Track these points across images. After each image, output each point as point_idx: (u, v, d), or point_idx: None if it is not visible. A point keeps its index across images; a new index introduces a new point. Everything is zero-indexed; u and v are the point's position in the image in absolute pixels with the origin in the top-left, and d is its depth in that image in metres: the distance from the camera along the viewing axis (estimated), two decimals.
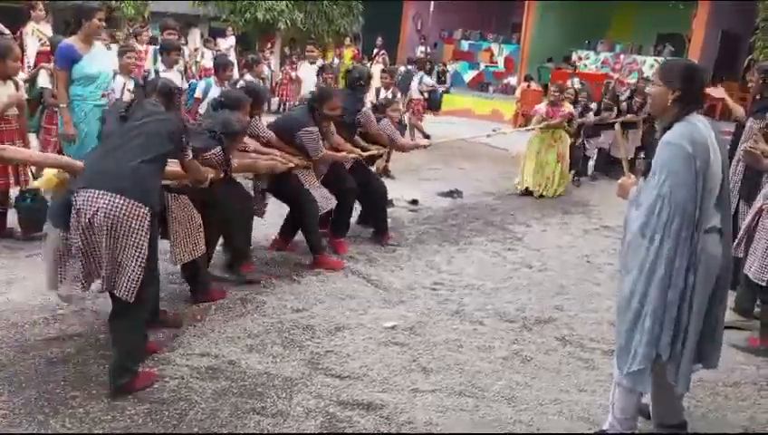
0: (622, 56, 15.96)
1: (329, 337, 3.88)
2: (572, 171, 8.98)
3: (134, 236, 2.99)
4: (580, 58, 16.42)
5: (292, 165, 4.89)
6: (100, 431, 2.82)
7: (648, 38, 16.91)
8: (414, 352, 3.79)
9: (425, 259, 5.46)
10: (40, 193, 5.09)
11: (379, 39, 15.78)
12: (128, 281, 3.00)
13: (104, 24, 5.07)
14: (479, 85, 17.87)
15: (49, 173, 3.42)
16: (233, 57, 12.75)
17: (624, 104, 9.81)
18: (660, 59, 15.14)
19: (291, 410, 3.09)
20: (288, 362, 3.54)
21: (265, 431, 2.92)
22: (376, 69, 15.10)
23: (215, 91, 6.84)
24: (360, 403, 3.19)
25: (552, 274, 5.42)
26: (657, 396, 2.97)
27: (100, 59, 5.12)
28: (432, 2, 15.73)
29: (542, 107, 8.28)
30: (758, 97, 5.25)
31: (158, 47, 7.18)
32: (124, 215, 2.96)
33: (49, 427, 2.81)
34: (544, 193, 8.20)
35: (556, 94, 8.15)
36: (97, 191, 2.98)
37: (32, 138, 6.05)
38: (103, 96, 5.14)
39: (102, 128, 3.42)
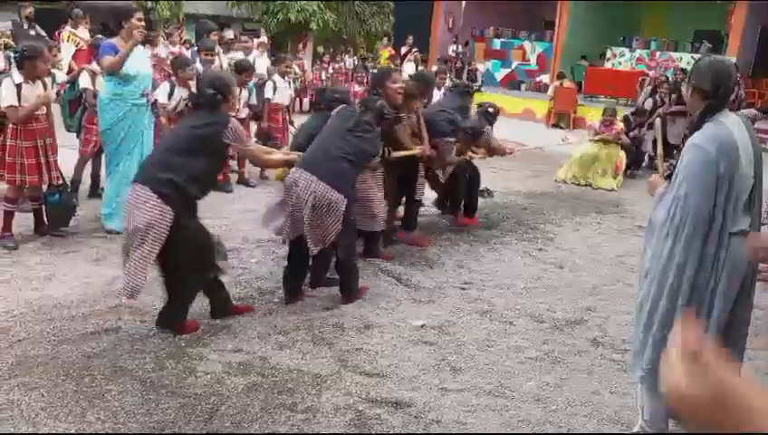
0: (657, 53, 15.64)
1: (358, 335, 3.90)
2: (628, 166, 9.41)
3: (332, 213, 3.97)
4: (614, 55, 16.15)
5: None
6: (134, 425, 2.89)
7: (684, 34, 16.54)
8: (443, 351, 3.79)
9: (455, 258, 5.45)
10: (67, 190, 5.24)
11: (410, 38, 15.77)
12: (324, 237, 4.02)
13: (143, 23, 5.18)
14: (511, 84, 17.71)
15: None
16: (265, 57, 12.87)
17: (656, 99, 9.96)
18: (697, 56, 14.81)
19: (320, 406, 3.12)
20: (318, 359, 3.57)
21: (295, 427, 2.95)
22: (407, 67, 15.13)
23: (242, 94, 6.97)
24: (389, 401, 3.21)
25: (584, 274, 5.35)
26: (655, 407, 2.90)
27: (139, 59, 5.24)
28: (464, 1, 15.63)
29: (595, 122, 9.01)
30: None
31: (195, 49, 7.34)
32: (325, 197, 3.94)
33: (85, 420, 2.89)
34: (593, 184, 8.59)
35: (610, 117, 8.99)
36: (310, 175, 3.99)
37: (72, 137, 6.24)
38: (142, 95, 5.25)
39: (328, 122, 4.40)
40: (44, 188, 5.08)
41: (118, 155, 5.29)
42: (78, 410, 2.96)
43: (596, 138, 8.94)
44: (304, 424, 2.97)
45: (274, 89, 7.71)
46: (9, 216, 4.90)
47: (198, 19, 9.59)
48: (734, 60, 12.90)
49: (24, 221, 5.16)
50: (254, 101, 7.39)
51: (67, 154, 6.13)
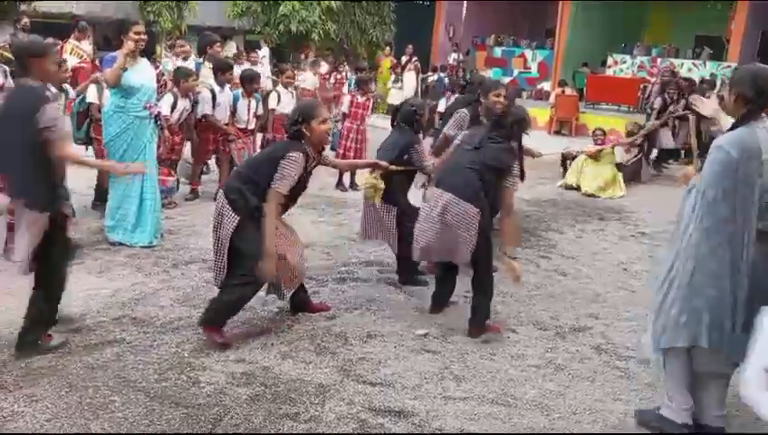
0: (659, 60, 15.66)
1: (361, 344, 3.90)
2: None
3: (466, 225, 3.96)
4: (615, 62, 16.18)
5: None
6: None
7: (685, 40, 16.57)
8: (446, 359, 3.79)
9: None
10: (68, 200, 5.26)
11: (410, 47, 15.83)
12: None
13: (144, 37, 5.22)
14: (512, 92, 17.74)
15: (375, 182, 4.49)
16: (267, 68, 12.94)
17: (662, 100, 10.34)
18: (698, 61, 14.86)
19: (323, 416, 3.12)
20: (321, 368, 3.58)
21: None
22: (408, 76, 15.19)
23: (242, 105, 6.97)
24: (392, 410, 3.21)
25: (587, 281, 5.35)
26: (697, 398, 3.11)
27: (142, 72, 5.28)
28: (464, 9, 15.71)
29: (590, 150, 9.06)
30: None
31: (200, 61, 7.33)
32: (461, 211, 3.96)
33: (90, 431, 2.90)
34: (597, 193, 8.59)
35: (599, 136, 9.21)
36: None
37: (79, 149, 6.26)
38: (145, 108, 5.29)
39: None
40: None
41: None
42: (82, 421, 2.96)
43: (592, 151, 8.98)
44: (307, 434, 2.97)
45: (278, 99, 7.75)
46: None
47: (201, 31, 9.64)
48: (735, 65, 12.96)
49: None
50: (261, 111, 7.41)
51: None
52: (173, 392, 3.24)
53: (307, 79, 10.85)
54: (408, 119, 4.80)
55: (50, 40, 4.05)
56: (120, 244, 5.33)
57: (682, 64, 15.18)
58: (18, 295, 4.27)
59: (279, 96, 7.81)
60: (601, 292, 5.10)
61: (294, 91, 8.40)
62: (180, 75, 6.38)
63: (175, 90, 6.34)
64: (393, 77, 14.91)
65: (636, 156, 9.62)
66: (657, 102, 10.35)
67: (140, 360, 3.53)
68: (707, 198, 2.80)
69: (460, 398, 3.37)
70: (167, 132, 6.18)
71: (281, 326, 4.07)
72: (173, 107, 6.25)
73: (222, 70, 6.82)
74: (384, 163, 4.52)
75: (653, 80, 14.41)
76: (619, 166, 9.07)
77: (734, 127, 2.87)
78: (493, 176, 4.01)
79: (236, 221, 3.67)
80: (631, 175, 9.37)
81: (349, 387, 3.40)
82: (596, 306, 4.79)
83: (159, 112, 5.59)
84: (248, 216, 3.68)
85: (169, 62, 8.32)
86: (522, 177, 4.19)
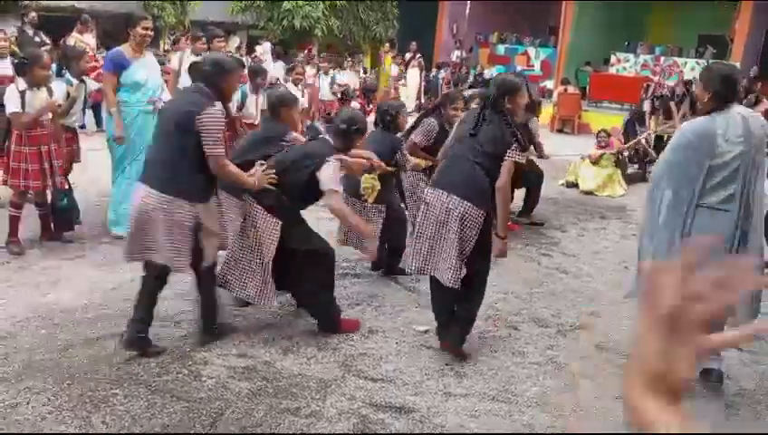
0: (662, 58, 15.63)
1: (362, 340, 3.91)
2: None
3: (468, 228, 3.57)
4: (618, 61, 16.15)
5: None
6: (139, 429, 2.90)
7: (689, 40, 16.53)
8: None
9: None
10: (72, 194, 5.27)
11: (413, 44, 15.82)
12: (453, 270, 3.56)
13: (151, 33, 5.22)
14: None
15: (374, 183, 4.35)
16: (269, 64, 12.92)
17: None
18: (702, 61, 14.81)
19: (324, 411, 3.13)
20: (322, 363, 3.58)
21: (299, 432, 2.96)
22: (411, 73, 15.17)
23: (251, 100, 6.96)
24: (393, 406, 3.21)
25: (589, 279, 5.35)
26: None
27: (148, 67, 5.27)
28: (468, 7, 15.69)
29: (592, 154, 9.03)
30: None
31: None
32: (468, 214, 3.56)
33: (91, 424, 2.91)
34: (596, 193, 8.59)
35: (603, 138, 9.10)
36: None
37: (95, 142, 6.27)
38: (149, 103, 5.28)
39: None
40: (49, 193, 5.12)
41: (123, 161, 5.33)
42: (83, 413, 2.97)
43: (597, 154, 8.99)
44: (308, 429, 2.98)
45: None
46: (15, 221, 4.93)
47: (204, 26, 9.63)
48: (737, 64, 12.94)
49: (30, 226, 5.20)
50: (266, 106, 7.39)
51: (94, 155, 6.19)
52: (174, 386, 3.25)
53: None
54: (384, 120, 4.84)
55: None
56: (123, 238, 5.32)
57: (685, 63, 15.14)
58: (19, 290, 4.29)
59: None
60: (602, 290, 5.10)
61: (304, 89, 8.41)
62: (197, 69, 6.37)
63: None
64: (395, 69, 14.88)
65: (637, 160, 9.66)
66: (647, 106, 10.46)
67: (143, 353, 3.54)
68: (666, 169, 3.38)
69: (461, 394, 3.38)
70: None
71: (282, 321, 4.08)
72: None
73: (254, 75, 6.85)
74: (381, 163, 4.43)
75: (656, 79, 14.39)
76: (621, 166, 9.09)
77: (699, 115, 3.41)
78: (495, 162, 3.54)
79: (280, 226, 3.72)
80: (636, 177, 9.40)
81: (350, 382, 3.41)
82: (597, 304, 4.79)
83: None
84: (290, 218, 3.78)
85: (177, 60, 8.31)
86: (526, 148, 4.10)
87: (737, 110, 3.32)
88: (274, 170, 3.69)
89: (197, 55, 7.37)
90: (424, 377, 3.52)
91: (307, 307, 4.01)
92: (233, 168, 3.51)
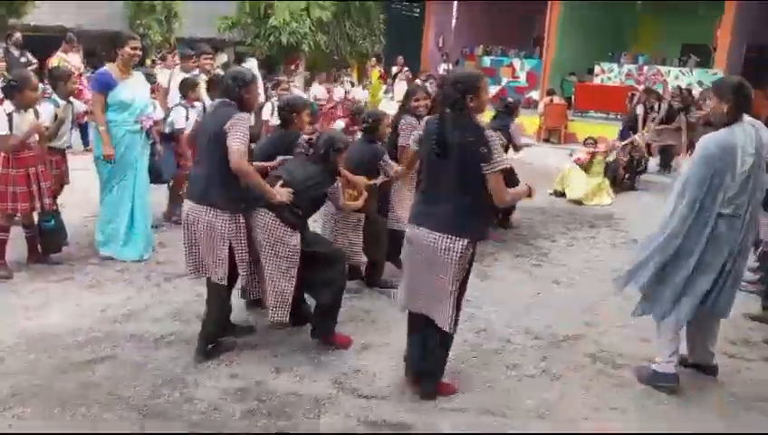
0: (645, 67, 15.79)
1: (356, 356, 3.88)
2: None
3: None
4: (603, 71, 16.29)
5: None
6: None
7: (672, 49, 16.72)
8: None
9: None
10: (59, 216, 5.23)
11: (400, 58, 15.90)
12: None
13: (139, 51, 5.22)
14: (502, 101, 17.82)
15: (358, 203, 4.31)
16: (257, 80, 12.94)
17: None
18: (686, 69, 14.98)
19: (319, 430, 3.09)
20: (316, 382, 3.55)
21: None
22: (399, 87, 15.23)
23: None
24: (388, 423, 3.19)
25: (580, 289, 5.35)
26: (690, 340, 3.79)
27: (135, 87, 5.26)
28: (454, 19, 15.81)
29: (580, 156, 9.17)
30: None
31: (196, 73, 7.28)
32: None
33: None
34: (584, 201, 8.64)
35: (590, 144, 9.39)
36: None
37: (84, 162, 6.23)
38: (136, 122, 5.27)
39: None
40: (36, 215, 5.07)
41: (111, 181, 5.30)
42: None
43: (587, 154, 9.08)
44: None
45: (273, 111, 7.74)
46: (2, 244, 4.87)
47: (192, 43, 9.64)
48: (720, 73, 13.11)
49: (17, 249, 5.14)
50: (252, 122, 7.39)
51: (80, 175, 6.17)
52: (166, 409, 3.20)
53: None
54: (365, 129, 4.86)
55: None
56: (111, 258, 5.29)
57: (669, 72, 15.30)
58: (6, 314, 4.23)
59: (273, 107, 7.81)
60: (594, 300, 5.10)
61: None
62: (189, 86, 6.40)
63: (184, 102, 6.35)
64: (384, 87, 14.96)
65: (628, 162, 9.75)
66: (639, 109, 10.68)
67: (133, 376, 3.50)
68: (691, 183, 3.42)
69: (456, 409, 3.36)
70: (184, 145, 6.19)
71: (274, 339, 4.04)
72: (186, 118, 6.25)
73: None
74: (361, 181, 4.44)
75: (640, 88, 14.53)
76: (609, 174, 9.16)
77: (718, 128, 3.46)
78: (474, 179, 3.12)
79: (299, 236, 3.79)
80: (625, 186, 9.49)
81: (344, 400, 3.38)
82: (589, 314, 4.79)
83: (151, 126, 5.57)
84: (302, 227, 3.87)
85: (164, 76, 8.30)
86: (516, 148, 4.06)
87: (748, 120, 3.46)
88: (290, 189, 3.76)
89: (187, 73, 7.38)
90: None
91: (321, 302, 3.96)
92: (253, 170, 3.58)
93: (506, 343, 4.21)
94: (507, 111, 7.25)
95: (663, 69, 15.53)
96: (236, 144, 3.45)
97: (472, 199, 3.15)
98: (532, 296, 5.12)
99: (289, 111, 4.39)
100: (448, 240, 3.14)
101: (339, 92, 13.34)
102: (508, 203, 3.23)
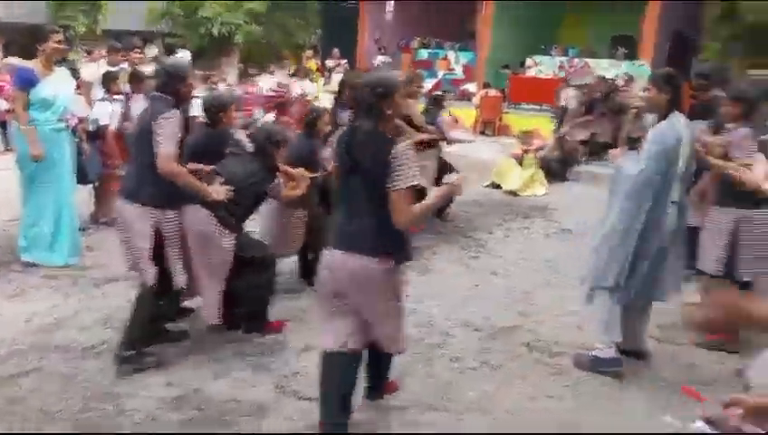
0: (576, 60, 16.25)
1: (297, 359, 3.83)
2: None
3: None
4: (535, 63, 16.66)
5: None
6: None
7: (602, 41, 17.26)
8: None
9: None
10: None
11: (336, 50, 15.80)
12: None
13: (63, 46, 4.97)
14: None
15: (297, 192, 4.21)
16: None
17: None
18: (614, 61, 15.49)
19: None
20: (256, 386, 3.49)
21: None
22: (336, 79, 15.12)
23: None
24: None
25: (517, 280, 5.47)
26: (625, 327, 3.79)
27: (57, 84, 5.00)
28: (389, 12, 15.83)
29: (516, 152, 9.49)
30: (700, 99, 5.40)
31: (124, 66, 7.01)
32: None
33: None
34: (519, 193, 8.81)
35: (526, 138, 9.81)
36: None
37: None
38: (61, 121, 5.03)
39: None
40: None
41: (34, 181, 5.04)
42: None
43: (521, 150, 9.34)
44: None
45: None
46: None
47: (119, 35, 9.27)
48: (646, 64, 13.63)
49: None
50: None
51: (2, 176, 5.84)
52: (99, 423, 3.08)
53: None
54: (304, 125, 4.84)
55: None
56: (35, 264, 5.03)
57: (598, 64, 15.79)
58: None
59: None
60: (530, 290, 5.22)
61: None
62: (109, 79, 6.14)
63: (107, 96, 6.08)
64: (323, 80, 14.83)
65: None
66: (572, 104, 10.97)
67: (63, 389, 3.34)
68: (647, 172, 3.50)
69: (400, 407, 3.37)
70: (110, 142, 5.93)
71: (210, 344, 3.94)
72: (111, 114, 5.99)
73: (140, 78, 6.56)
74: (301, 174, 4.39)
75: (569, 79, 14.94)
76: (545, 163, 9.41)
77: (661, 119, 3.59)
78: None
79: (234, 238, 3.75)
80: (557, 177, 9.75)
81: (286, 404, 3.33)
82: (526, 304, 4.90)
83: (77, 124, 5.33)
84: (237, 228, 3.82)
85: (85, 68, 7.94)
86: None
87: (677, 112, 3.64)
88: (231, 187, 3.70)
89: (113, 66, 7.09)
90: (362, 392, 3.49)
91: (245, 311, 3.97)
92: (183, 171, 3.49)
93: (447, 337, 4.25)
94: (435, 105, 7.31)
95: (592, 61, 16.02)
96: (163, 148, 3.35)
97: (386, 218, 2.71)
98: (471, 288, 5.20)
99: (215, 110, 4.24)
100: (367, 262, 2.74)
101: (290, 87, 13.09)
102: (409, 224, 2.75)
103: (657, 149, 3.52)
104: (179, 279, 3.61)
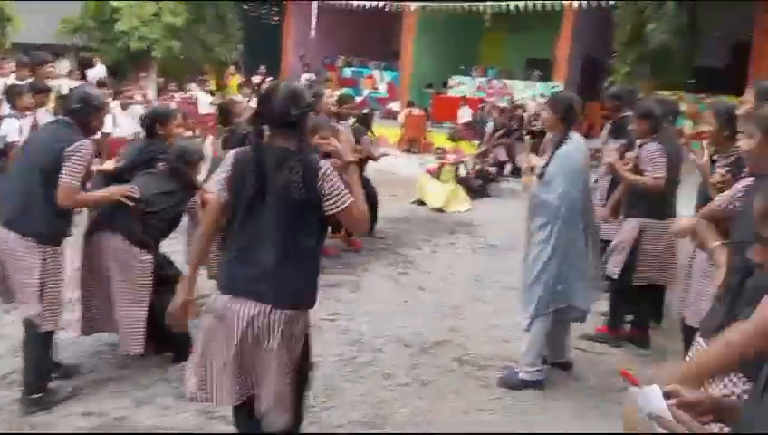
0: (494, 81, 16.81)
1: None
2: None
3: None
4: (456, 83, 17.11)
5: None
6: None
7: (518, 63, 17.95)
8: (315, 388, 3.68)
9: (322, 289, 5.35)
10: None
11: (262, 67, 15.68)
12: None
13: None
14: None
15: None
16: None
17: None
18: (530, 82, 16.14)
19: None
20: (181, 413, 3.34)
21: None
22: None
23: None
24: None
25: (446, 295, 5.53)
26: (550, 340, 3.90)
27: None
28: (313, 30, 15.86)
29: (431, 166, 9.76)
30: (613, 119, 5.69)
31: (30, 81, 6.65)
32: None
33: None
34: (444, 209, 8.93)
35: (440, 154, 10.21)
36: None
37: None
38: None
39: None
40: None
41: None
42: None
43: (437, 166, 9.56)
44: None
45: (114, 122, 7.24)
46: None
47: (28, 49, 8.80)
48: (560, 86, 14.27)
49: None
50: (98, 135, 6.87)
51: None
52: None
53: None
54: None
55: None
56: None
57: (515, 85, 16.39)
58: None
59: (114, 118, 7.30)
60: (459, 304, 5.29)
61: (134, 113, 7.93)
62: (14, 94, 5.79)
63: (15, 112, 5.72)
64: (247, 99, 14.63)
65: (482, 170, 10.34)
66: (489, 127, 11.47)
67: None
68: (570, 196, 3.59)
69: (332, 425, 3.32)
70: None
71: (132, 372, 3.75)
72: (20, 130, 5.62)
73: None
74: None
75: (490, 100, 15.44)
76: (465, 180, 9.65)
77: (562, 140, 3.69)
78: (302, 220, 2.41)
79: (152, 257, 3.59)
80: (479, 193, 10.00)
81: (213, 429, 3.21)
82: (455, 319, 4.96)
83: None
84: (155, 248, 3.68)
85: None
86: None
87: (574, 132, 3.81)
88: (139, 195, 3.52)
89: (21, 81, 6.71)
90: None
91: (168, 339, 3.73)
92: (84, 198, 3.34)
93: (379, 353, 4.24)
94: (363, 123, 7.29)
95: (509, 82, 16.62)
96: (67, 179, 3.13)
97: (300, 254, 2.42)
98: (401, 304, 5.22)
99: (151, 121, 4.08)
100: (267, 311, 2.36)
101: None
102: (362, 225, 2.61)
103: (570, 170, 3.63)
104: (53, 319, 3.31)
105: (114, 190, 3.47)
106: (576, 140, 3.71)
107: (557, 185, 3.60)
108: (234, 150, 2.53)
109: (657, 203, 4.29)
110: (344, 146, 2.77)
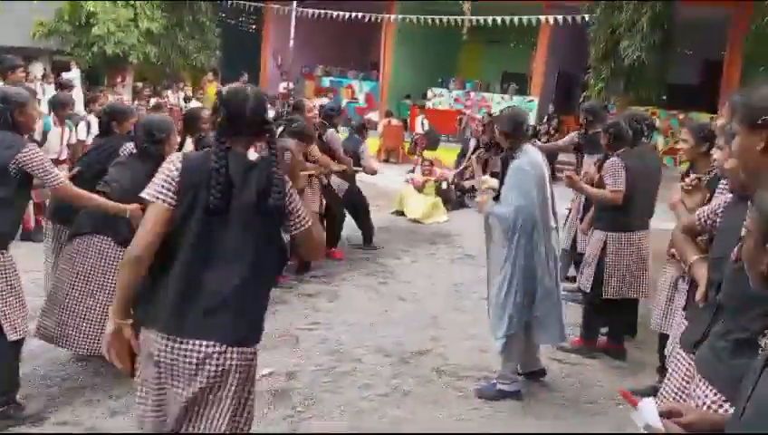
0: (472, 93, 16.98)
1: None
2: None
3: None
4: (435, 95, 17.24)
5: None
6: None
7: (495, 77, 18.17)
8: (294, 399, 3.67)
9: (301, 298, 5.37)
10: None
11: (245, 75, 15.61)
12: None
13: None
14: (342, 121, 18.14)
15: None
16: (78, 92, 11.94)
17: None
18: (506, 96, 16.33)
19: None
20: None
21: None
22: None
23: (54, 133, 6.32)
24: None
25: (425, 304, 5.53)
26: (524, 352, 3.92)
27: None
28: (291, 38, 15.83)
29: (416, 179, 9.85)
30: (586, 133, 5.79)
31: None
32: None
33: None
34: (421, 219, 8.96)
35: (427, 166, 10.23)
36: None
37: None
38: None
39: None
40: None
41: None
42: None
43: (422, 181, 9.62)
44: None
45: (89, 128, 7.11)
46: None
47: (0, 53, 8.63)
48: (536, 100, 14.47)
49: None
50: (74, 139, 6.76)
51: None
52: None
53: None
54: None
55: None
56: None
57: (492, 98, 16.57)
58: None
59: (89, 125, 7.17)
60: (438, 314, 5.30)
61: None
62: None
63: None
64: None
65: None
66: (472, 143, 11.51)
67: None
68: (527, 209, 3.58)
69: None
70: None
71: (106, 380, 3.66)
72: None
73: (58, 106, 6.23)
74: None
75: (468, 112, 15.60)
76: (444, 193, 9.71)
77: (512, 154, 3.72)
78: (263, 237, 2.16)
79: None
80: (456, 204, 10.08)
81: None
82: (434, 329, 4.96)
83: None
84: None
85: None
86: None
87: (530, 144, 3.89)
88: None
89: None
90: (270, 424, 3.37)
91: None
92: (84, 194, 3.25)
93: (358, 363, 4.21)
94: (358, 133, 7.43)
95: (486, 95, 16.80)
96: (50, 180, 3.08)
97: (262, 280, 2.18)
98: (381, 314, 5.20)
99: (108, 118, 3.97)
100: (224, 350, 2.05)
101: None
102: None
103: (522, 181, 3.61)
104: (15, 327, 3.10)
105: (115, 206, 3.30)
106: (528, 152, 3.71)
107: (512, 199, 3.62)
108: (177, 154, 2.25)
109: (620, 216, 4.36)
110: (294, 164, 2.74)
